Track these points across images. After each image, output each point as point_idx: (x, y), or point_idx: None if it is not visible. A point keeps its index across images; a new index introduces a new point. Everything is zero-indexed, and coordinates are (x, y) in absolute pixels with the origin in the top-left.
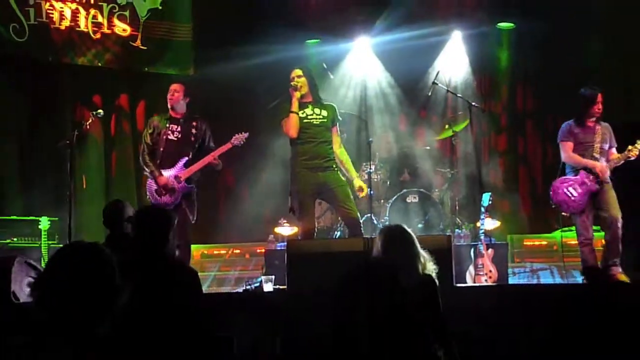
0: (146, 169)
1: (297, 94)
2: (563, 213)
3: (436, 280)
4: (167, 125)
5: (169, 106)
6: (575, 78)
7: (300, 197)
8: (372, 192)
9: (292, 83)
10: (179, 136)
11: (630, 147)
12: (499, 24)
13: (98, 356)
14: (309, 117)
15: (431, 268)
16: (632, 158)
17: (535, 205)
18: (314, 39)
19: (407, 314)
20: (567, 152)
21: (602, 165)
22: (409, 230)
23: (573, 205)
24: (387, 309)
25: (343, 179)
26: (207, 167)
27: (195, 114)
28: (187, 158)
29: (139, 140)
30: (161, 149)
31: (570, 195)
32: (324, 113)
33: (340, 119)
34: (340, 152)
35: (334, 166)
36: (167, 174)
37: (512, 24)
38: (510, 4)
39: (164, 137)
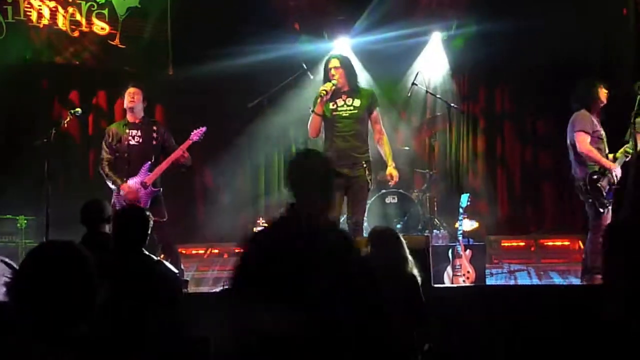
0: (109, 182)
1: (324, 92)
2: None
3: (419, 280)
4: (127, 130)
5: (127, 109)
6: (554, 78)
7: None
8: None
9: (330, 74)
10: (140, 140)
11: (627, 147)
12: (476, 26)
13: (76, 356)
14: (339, 108)
15: (415, 271)
16: (627, 158)
17: (513, 207)
18: (294, 39)
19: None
20: (584, 143)
21: (619, 169)
22: (396, 231)
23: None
24: (369, 306)
25: (368, 178)
26: (175, 167)
27: (152, 117)
28: (149, 162)
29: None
30: (126, 155)
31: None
32: (357, 102)
33: (378, 105)
34: (379, 139)
35: (364, 162)
36: (132, 181)
37: (490, 25)
38: (489, 5)
39: (125, 142)
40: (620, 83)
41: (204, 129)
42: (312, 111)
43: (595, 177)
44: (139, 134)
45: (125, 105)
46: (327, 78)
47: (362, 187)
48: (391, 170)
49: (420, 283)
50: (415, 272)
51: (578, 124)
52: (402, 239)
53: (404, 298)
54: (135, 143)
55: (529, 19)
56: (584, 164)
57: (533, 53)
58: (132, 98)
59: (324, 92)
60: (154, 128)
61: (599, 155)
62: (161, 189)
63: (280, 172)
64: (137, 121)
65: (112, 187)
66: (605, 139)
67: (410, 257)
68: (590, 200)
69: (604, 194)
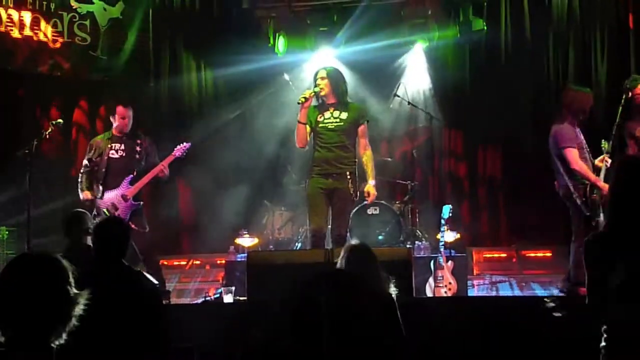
0: (85, 198)
1: (303, 99)
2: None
3: (395, 302)
4: (110, 145)
5: (116, 126)
6: (536, 89)
7: (311, 201)
8: None
9: (316, 83)
10: (123, 154)
11: (605, 156)
12: (460, 36)
13: None
14: (325, 121)
15: (391, 289)
16: (608, 166)
17: (494, 218)
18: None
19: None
20: (576, 159)
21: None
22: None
23: None
24: (347, 322)
25: (352, 190)
26: (155, 180)
27: (138, 130)
28: (132, 176)
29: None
30: (103, 170)
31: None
32: (344, 115)
33: (368, 120)
34: (363, 154)
35: (348, 173)
36: (111, 194)
37: (473, 35)
38: (471, 15)
39: (106, 157)
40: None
41: (188, 145)
42: (298, 121)
43: (594, 189)
44: (122, 147)
45: (115, 123)
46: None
47: (346, 200)
48: (370, 187)
49: (396, 301)
50: (392, 289)
51: (562, 139)
52: (375, 255)
53: (379, 317)
54: (118, 157)
55: (512, 29)
56: (575, 176)
57: (516, 63)
58: (122, 119)
59: (303, 98)
60: (138, 142)
61: (589, 172)
62: (141, 202)
63: (263, 183)
64: (121, 135)
65: (80, 195)
66: (587, 147)
67: (384, 274)
68: (588, 214)
69: (599, 206)
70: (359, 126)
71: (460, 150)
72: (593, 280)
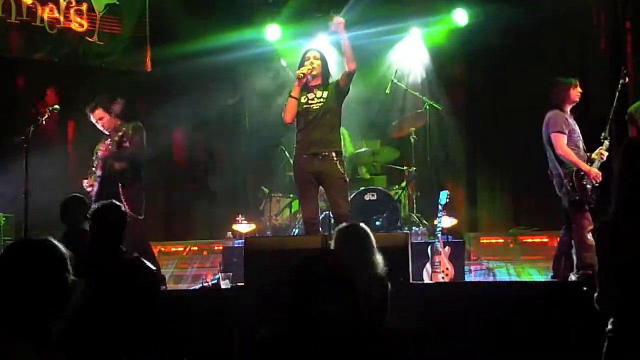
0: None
1: (301, 75)
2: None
3: (388, 284)
4: (100, 145)
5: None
6: (536, 74)
7: (298, 185)
8: None
9: (306, 62)
10: (110, 147)
11: (601, 149)
12: (454, 19)
13: (51, 355)
14: (310, 101)
15: (383, 270)
16: (603, 160)
17: (492, 203)
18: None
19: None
20: (562, 144)
21: (597, 172)
22: (366, 229)
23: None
24: (340, 308)
25: (341, 170)
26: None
27: (122, 122)
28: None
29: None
30: (98, 171)
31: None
32: (325, 94)
33: (348, 89)
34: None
35: (334, 154)
36: None
37: (467, 19)
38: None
39: (97, 157)
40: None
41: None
42: (290, 95)
43: (581, 174)
44: (109, 142)
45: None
46: (302, 65)
47: (337, 180)
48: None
49: (389, 286)
50: (383, 269)
51: (552, 124)
52: (370, 235)
53: (369, 299)
54: (106, 153)
55: (508, 15)
56: (564, 163)
57: (513, 48)
58: (97, 122)
59: (302, 74)
60: (120, 134)
61: (576, 158)
62: (140, 190)
63: (259, 168)
64: (108, 131)
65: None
66: (581, 137)
67: (378, 258)
68: (577, 198)
69: (589, 191)
70: (340, 92)
71: (457, 136)
72: (605, 264)
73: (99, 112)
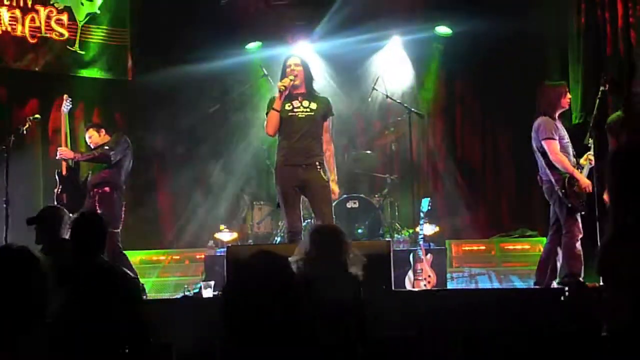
0: None
1: (282, 87)
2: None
3: (359, 280)
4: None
5: None
6: (516, 82)
7: (282, 193)
8: None
9: (287, 70)
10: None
11: (589, 154)
12: (436, 29)
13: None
14: (295, 110)
15: (358, 268)
16: (592, 165)
17: (473, 211)
18: (254, 44)
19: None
20: (555, 150)
21: (588, 183)
22: (341, 229)
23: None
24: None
25: (325, 178)
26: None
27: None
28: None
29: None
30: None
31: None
32: (313, 106)
33: (334, 114)
34: (327, 149)
35: (318, 163)
36: None
37: (449, 29)
38: (448, 9)
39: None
40: None
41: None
42: (272, 108)
43: (573, 180)
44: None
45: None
46: (284, 75)
47: (321, 188)
48: (333, 185)
49: (360, 284)
50: (359, 268)
51: (543, 131)
52: (343, 235)
53: (343, 301)
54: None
55: (490, 22)
56: (556, 168)
57: (495, 56)
58: (87, 138)
59: (283, 87)
60: (106, 148)
61: (569, 164)
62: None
63: (241, 177)
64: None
65: None
66: (570, 143)
67: (352, 254)
68: (569, 205)
69: (581, 197)
70: (326, 119)
71: (439, 144)
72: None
73: (90, 131)
